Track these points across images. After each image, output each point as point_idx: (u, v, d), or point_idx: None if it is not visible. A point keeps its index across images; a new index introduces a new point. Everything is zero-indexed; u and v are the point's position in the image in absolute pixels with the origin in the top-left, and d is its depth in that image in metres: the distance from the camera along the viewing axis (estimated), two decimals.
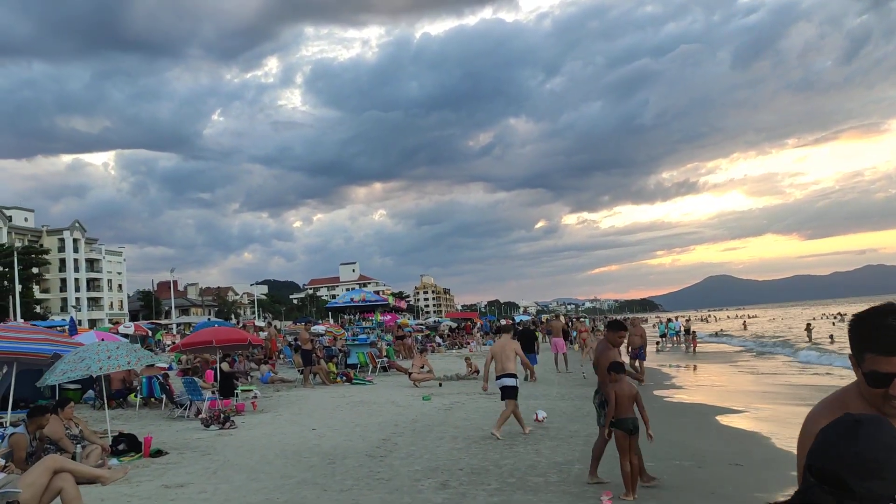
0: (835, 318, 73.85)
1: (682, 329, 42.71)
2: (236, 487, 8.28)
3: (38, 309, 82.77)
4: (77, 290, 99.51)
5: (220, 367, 22.46)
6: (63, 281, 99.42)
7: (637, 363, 18.60)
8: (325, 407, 15.76)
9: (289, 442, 11.20)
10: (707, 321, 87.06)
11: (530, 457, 9.85)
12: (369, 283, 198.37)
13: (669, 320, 47.28)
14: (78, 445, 9.07)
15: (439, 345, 40.92)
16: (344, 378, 21.69)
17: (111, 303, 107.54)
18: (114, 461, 9.58)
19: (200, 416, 12.93)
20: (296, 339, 28.49)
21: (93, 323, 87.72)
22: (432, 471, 9.03)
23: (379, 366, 24.30)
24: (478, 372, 22.64)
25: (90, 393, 17.01)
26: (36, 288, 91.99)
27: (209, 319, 58.81)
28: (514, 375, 11.23)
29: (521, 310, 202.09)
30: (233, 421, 12.76)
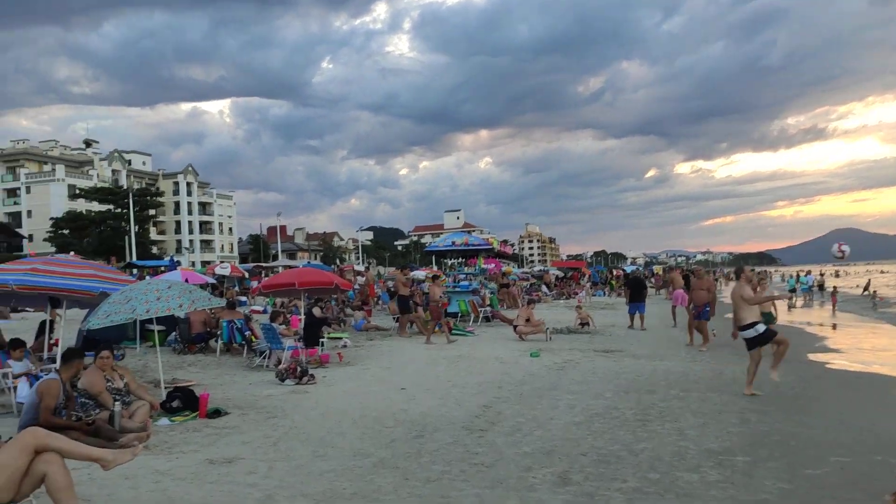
0: None
1: (816, 284, 38.64)
2: (295, 468, 6.48)
3: (154, 250, 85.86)
4: (190, 232, 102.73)
5: (310, 312, 21.28)
6: (177, 223, 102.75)
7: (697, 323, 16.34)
8: (419, 361, 13.95)
9: (371, 404, 9.39)
10: (838, 275, 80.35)
11: (672, 439, 7.60)
12: (473, 231, 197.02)
13: (801, 274, 42.95)
14: (118, 402, 7.50)
15: (546, 294, 38.65)
16: (443, 328, 19.84)
17: (222, 245, 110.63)
18: (163, 421, 8.01)
19: (278, 368, 11.33)
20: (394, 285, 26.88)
21: (204, 265, 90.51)
22: (546, 455, 6.95)
23: (481, 315, 22.35)
24: (589, 324, 20.34)
25: (173, 336, 15.87)
26: (153, 230, 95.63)
27: (309, 262, 58.60)
28: (750, 325, 10.06)
29: (629, 261, 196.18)
30: (311, 375, 11.09)
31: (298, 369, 10.84)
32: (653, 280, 52.50)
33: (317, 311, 21.07)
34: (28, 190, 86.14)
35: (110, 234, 71.39)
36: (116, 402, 7.42)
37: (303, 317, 15.46)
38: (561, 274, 52.39)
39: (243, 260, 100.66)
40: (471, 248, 25.08)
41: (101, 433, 6.85)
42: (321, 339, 13.98)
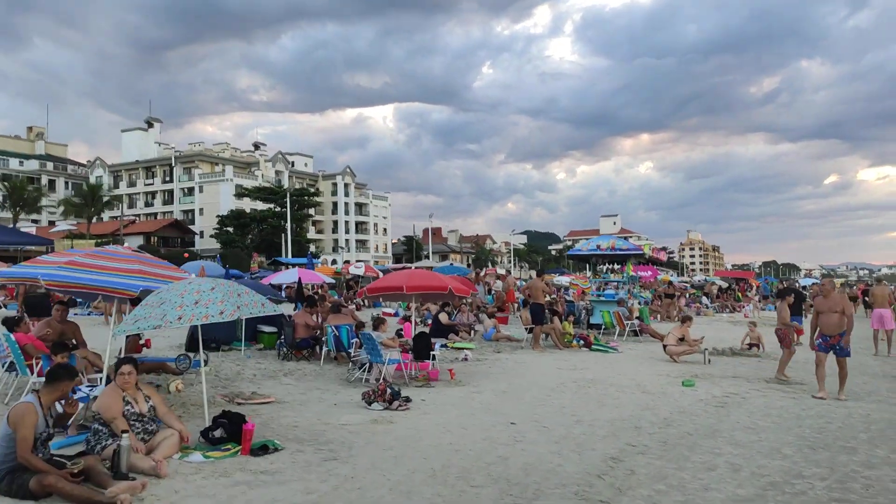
0: None
1: None
2: None
3: (311, 248, 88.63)
4: (346, 231, 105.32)
5: (436, 317, 19.55)
6: (335, 223, 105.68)
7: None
8: (543, 384, 11.72)
9: (465, 446, 7.33)
10: None
11: None
12: (630, 237, 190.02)
13: None
14: (126, 434, 5.91)
15: (707, 307, 34.83)
16: (582, 342, 17.47)
17: (376, 245, 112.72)
18: (195, 456, 6.38)
19: (367, 389, 9.53)
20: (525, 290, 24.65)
21: (360, 263, 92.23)
22: None
23: (628, 329, 19.67)
24: (759, 346, 17.16)
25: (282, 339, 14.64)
26: (312, 229, 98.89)
27: (451, 265, 57.34)
28: None
29: (803, 273, 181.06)
30: (405, 399, 9.20)
31: (388, 391, 8.98)
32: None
33: (443, 317, 19.41)
34: (201, 189, 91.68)
35: (270, 232, 74.09)
36: (125, 433, 5.82)
37: (416, 324, 13.67)
38: (724, 284, 47.65)
39: (397, 260, 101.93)
40: (618, 252, 22.39)
41: (92, 478, 5.28)
42: (433, 353, 12.07)
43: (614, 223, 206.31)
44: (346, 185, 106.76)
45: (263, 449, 6.61)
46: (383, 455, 6.85)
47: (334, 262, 55.47)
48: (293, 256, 59.71)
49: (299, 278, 17.27)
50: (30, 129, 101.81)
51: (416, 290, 12.69)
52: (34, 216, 68.95)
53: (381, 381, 9.54)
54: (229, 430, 6.81)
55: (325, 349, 13.36)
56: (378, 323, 12.02)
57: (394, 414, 8.76)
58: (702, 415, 9.46)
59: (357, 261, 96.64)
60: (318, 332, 13.85)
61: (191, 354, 11.66)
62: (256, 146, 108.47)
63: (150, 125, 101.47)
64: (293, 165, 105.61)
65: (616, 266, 26.49)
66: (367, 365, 11.43)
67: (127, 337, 11.59)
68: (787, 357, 12.85)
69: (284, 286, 24.05)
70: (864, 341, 18.39)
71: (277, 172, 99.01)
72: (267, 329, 15.55)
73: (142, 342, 11.75)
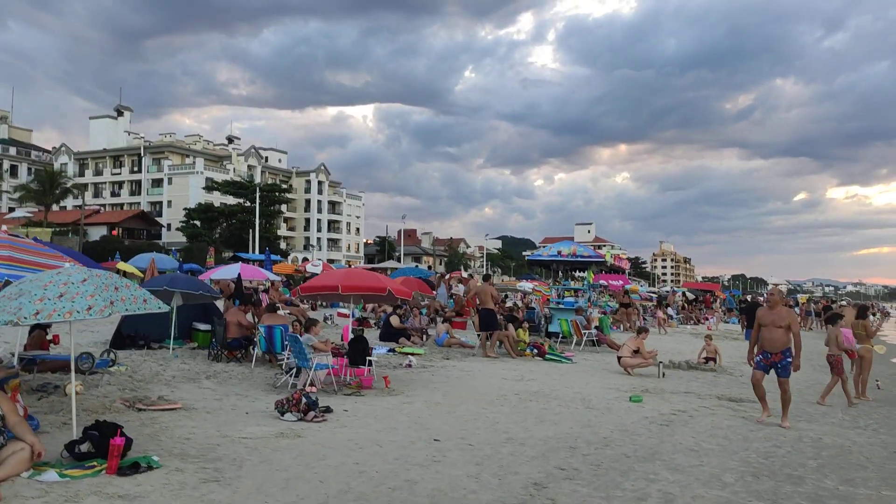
0: None
1: None
2: None
3: (283, 245, 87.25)
4: (319, 230, 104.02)
5: (387, 320, 18.76)
6: (307, 220, 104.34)
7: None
8: (483, 394, 11.02)
9: (372, 467, 6.57)
10: None
11: None
12: (604, 246, 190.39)
13: None
14: None
15: (671, 318, 34.39)
16: (535, 350, 16.80)
17: (349, 245, 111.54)
18: (50, 475, 5.55)
19: (280, 397, 8.72)
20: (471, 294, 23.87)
21: (331, 263, 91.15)
22: None
23: (585, 339, 19.04)
24: (715, 360, 16.62)
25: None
26: (284, 226, 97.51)
27: (416, 267, 56.51)
28: None
29: (770, 287, 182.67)
30: (323, 410, 8.43)
31: (304, 401, 8.19)
32: (797, 310, 46.57)
33: (395, 320, 18.59)
34: (170, 181, 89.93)
35: (238, 227, 72.73)
36: None
37: (351, 324, 12.89)
38: (692, 296, 47.41)
39: (369, 260, 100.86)
40: (579, 259, 21.76)
41: None
42: (368, 358, 11.30)
43: (588, 231, 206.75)
44: (319, 183, 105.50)
45: (134, 467, 5.79)
46: (274, 477, 6.06)
47: (305, 259, 54.36)
48: (261, 253, 58.63)
49: (238, 274, 16.42)
50: None
51: (352, 291, 11.91)
52: None
53: (298, 389, 8.74)
54: (98, 444, 5.98)
55: (256, 351, 12.54)
56: (310, 324, 11.20)
57: (306, 427, 7.97)
58: (644, 434, 8.79)
59: (328, 260, 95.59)
60: (251, 332, 13.02)
61: (94, 353, 10.72)
62: (230, 139, 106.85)
63: (120, 113, 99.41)
64: (267, 161, 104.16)
65: (578, 273, 25.90)
66: (296, 370, 10.64)
67: (31, 330, 10.69)
68: (833, 384, 12.07)
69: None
70: (818, 357, 17.91)
71: (250, 167, 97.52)
72: (202, 327, 14.67)
73: (49, 338, 10.83)
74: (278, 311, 14.17)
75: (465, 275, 37.09)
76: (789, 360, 9.58)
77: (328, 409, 8.63)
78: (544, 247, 25.48)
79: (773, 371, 9.71)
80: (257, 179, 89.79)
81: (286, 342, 12.08)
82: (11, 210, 67.40)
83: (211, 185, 79.85)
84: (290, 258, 72.24)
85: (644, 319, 27.83)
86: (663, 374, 14.43)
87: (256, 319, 13.57)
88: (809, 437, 9.15)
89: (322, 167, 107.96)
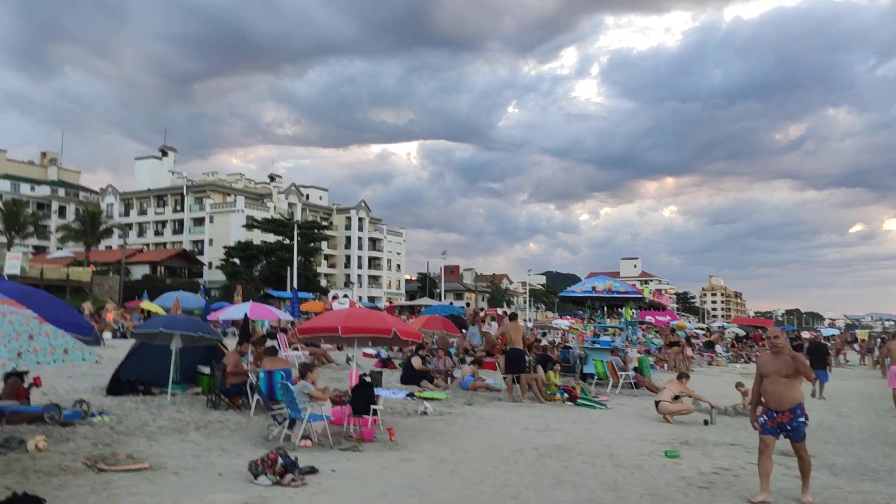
0: None
1: None
2: None
3: (323, 282, 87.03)
4: (359, 267, 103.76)
5: (408, 362, 17.67)
6: (347, 257, 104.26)
7: None
8: (497, 448, 9.81)
9: None
10: None
11: None
12: (651, 281, 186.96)
13: None
14: None
15: (719, 355, 32.57)
16: (566, 395, 15.51)
17: (389, 282, 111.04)
18: None
19: (253, 458, 7.66)
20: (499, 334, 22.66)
21: (371, 300, 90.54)
22: None
23: (622, 381, 17.64)
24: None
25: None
26: (324, 263, 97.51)
27: (452, 304, 55.32)
28: None
29: (826, 322, 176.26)
30: (303, 472, 7.35)
31: (280, 462, 7.13)
32: (857, 347, 44.08)
33: (416, 362, 17.47)
34: (211, 219, 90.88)
35: (277, 264, 72.72)
36: None
37: (357, 369, 11.83)
38: (742, 333, 45.24)
39: (410, 297, 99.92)
40: (615, 295, 20.46)
41: None
42: (373, 406, 10.22)
43: (635, 266, 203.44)
44: (360, 220, 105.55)
45: None
46: None
47: (334, 296, 53.68)
48: (300, 291, 58.18)
49: (246, 314, 15.56)
50: (43, 154, 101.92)
51: (353, 333, 10.88)
52: (35, 241, 68.13)
53: (275, 448, 7.67)
54: None
55: (255, 398, 11.56)
56: (305, 370, 10.16)
57: (279, 493, 6.88)
58: (678, 500, 7.51)
59: (369, 297, 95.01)
60: (246, 377, 12.05)
61: (62, 405, 9.75)
62: (272, 178, 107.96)
63: (165, 154, 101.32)
64: (307, 198, 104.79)
65: (618, 310, 24.51)
66: (288, 420, 9.62)
67: (6, 377, 9.88)
68: None
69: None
70: (883, 401, 16.33)
71: (290, 204, 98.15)
72: (205, 370, 13.79)
73: (27, 383, 9.99)
74: (278, 354, 13.20)
75: (499, 312, 35.81)
76: (802, 419, 7.52)
77: (312, 470, 7.55)
78: (580, 281, 24.17)
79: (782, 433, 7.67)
80: (297, 217, 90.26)
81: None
82: (59, 249, 68.68)
83: (251, 223, 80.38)
84: (329, 295, 71.83)
85: (692, 358, 26.18)
86: (706, 422, 13.04)
87: (251, 361, 12.60)
88: (876, 501, 7.76)
89: (362, 204, 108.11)
